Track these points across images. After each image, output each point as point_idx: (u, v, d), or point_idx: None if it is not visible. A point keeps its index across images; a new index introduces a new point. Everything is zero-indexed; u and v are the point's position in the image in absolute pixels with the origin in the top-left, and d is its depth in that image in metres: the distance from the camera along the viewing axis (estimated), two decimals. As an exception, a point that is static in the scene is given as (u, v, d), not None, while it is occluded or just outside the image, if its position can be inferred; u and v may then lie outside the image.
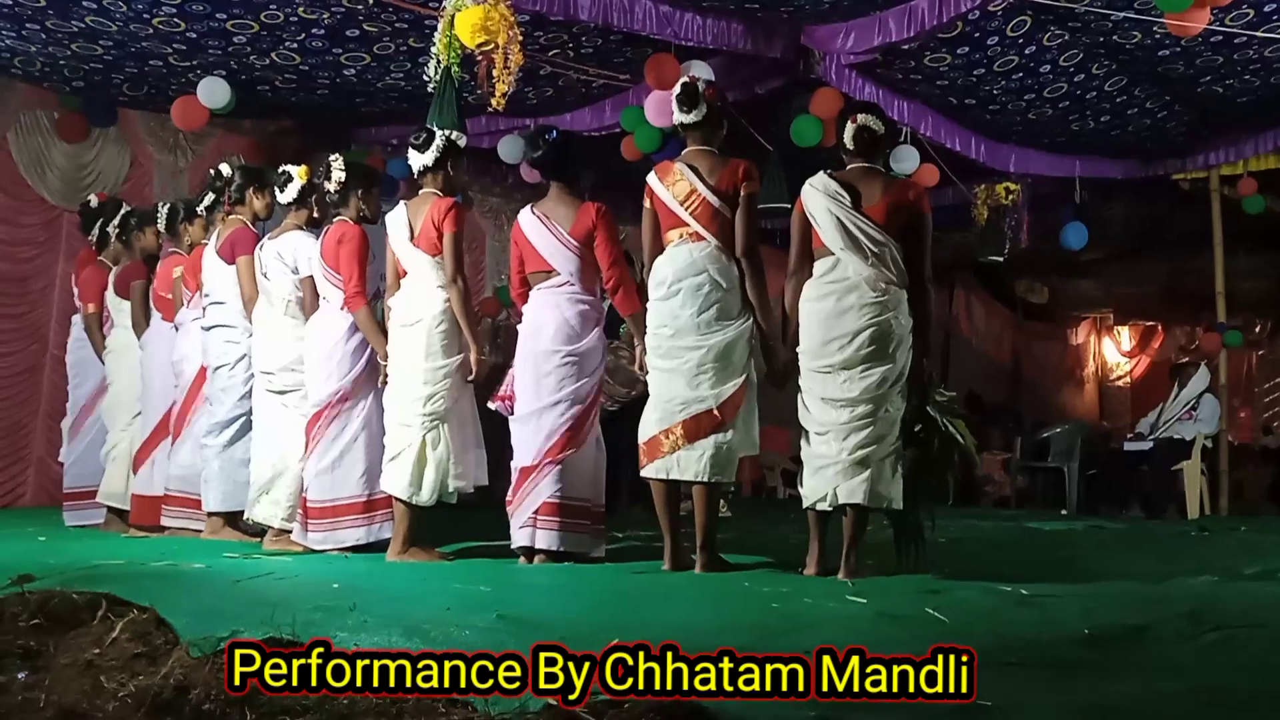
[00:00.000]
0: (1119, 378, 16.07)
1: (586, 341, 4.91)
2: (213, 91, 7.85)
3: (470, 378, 5.08)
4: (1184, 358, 11.84)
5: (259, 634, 2.92)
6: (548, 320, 4.92)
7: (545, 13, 6.84)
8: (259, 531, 5.63)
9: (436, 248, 5.05)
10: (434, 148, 5.16)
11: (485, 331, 5.34)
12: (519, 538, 4.86)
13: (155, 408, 6.31)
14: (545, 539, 4.78)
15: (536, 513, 4.79)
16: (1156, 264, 13.05)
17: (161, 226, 6.68)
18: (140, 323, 6.58)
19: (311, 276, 5.48)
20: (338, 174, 5.41)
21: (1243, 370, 14.41)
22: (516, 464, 4.93)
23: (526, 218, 5.07)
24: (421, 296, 5.05)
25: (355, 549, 5.17)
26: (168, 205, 6.75)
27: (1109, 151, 9.78)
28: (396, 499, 5.00)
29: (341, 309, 5.31)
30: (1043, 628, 3.34)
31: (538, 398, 4.89)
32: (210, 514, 5.87)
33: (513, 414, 5.01)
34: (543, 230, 4.99)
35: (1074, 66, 7.94)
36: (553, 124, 7.65)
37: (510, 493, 4.92)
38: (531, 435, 4.89)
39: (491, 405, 5.15)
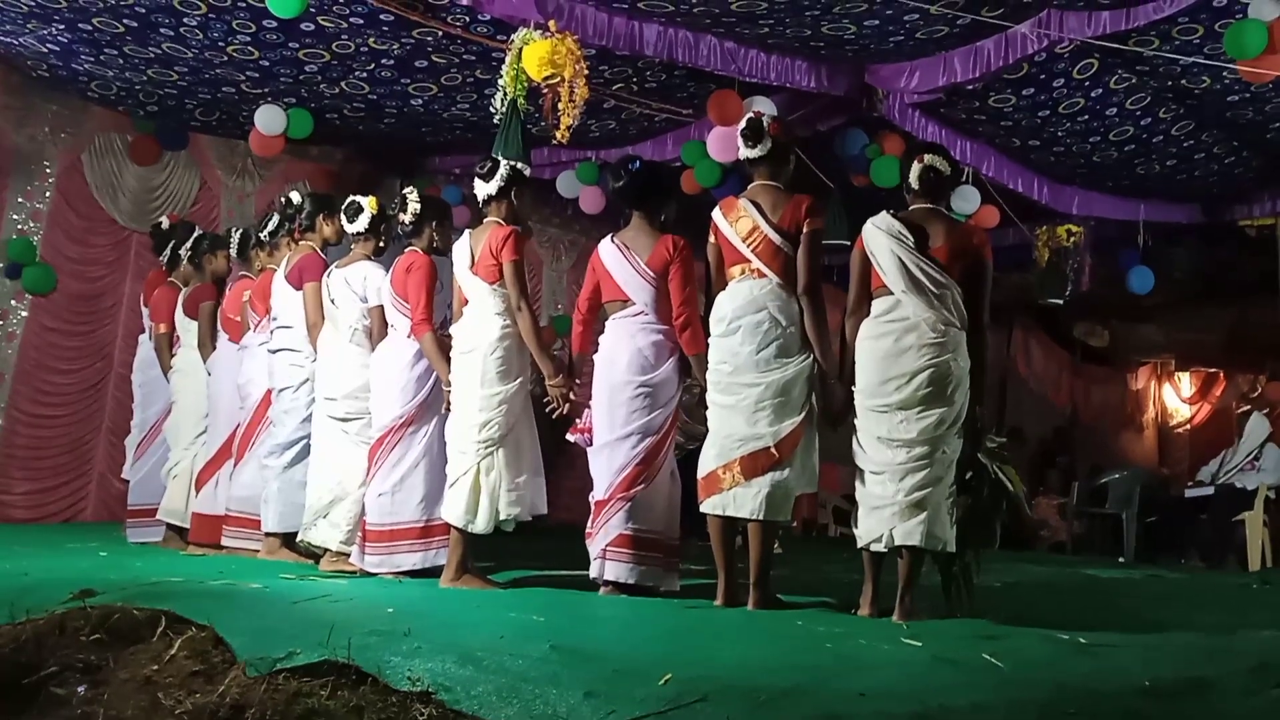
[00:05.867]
0: (1179, 424, 15.79)
1: (661, 372, 4.89)
2: (270, 119, 7.99)
3: (549, 405, 5.11)
4: (1244, 406, 11.65)
5: (315, 656, 2.94)
6: (622, 350, 4.92)
7: (611, 47, 6.91)
8: (315, 553, 5.68)
9: (494, 275, 5.07)
10: (498, 177, 5.20)
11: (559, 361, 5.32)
12: (594, 568, 4.88)
13: (220, 428, 6.40)
14: (615, 571, 4.79)
15: (609, 545, 4.80)
16: (1220, 310, 12.85)
17: (233, 251, 6.79)
18: (206, 344, 6.68)
19: (380, 306, 5.55)
20: (413, 205, 5.48)
21: (1307, 422, 14.11)
22: (593, 497, 4.94)
23: (606, 247, 5.08)
24: (479, 324, 5.07)
25: (410, 574, 5.20)
26: (240, 230, 6.86)
27: (1174, 196, 9.67)
28: (453, 526, 5.02)
29: (408, 336, 5.36)
30: (1103, 677, 3.28)
31: (611, 429, 4.90)
32: (268, 534, 5.93)
33: (591, 445, 5.01)
34: (621, 260, 5.00)
35: (1141, 110, 7.88)
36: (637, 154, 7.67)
37: (589, 524, 4.93)
38: (605, 468, 4.90)
39: (570, 437, 5.15)
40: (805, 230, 4.61)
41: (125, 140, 8.85)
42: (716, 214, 4.78)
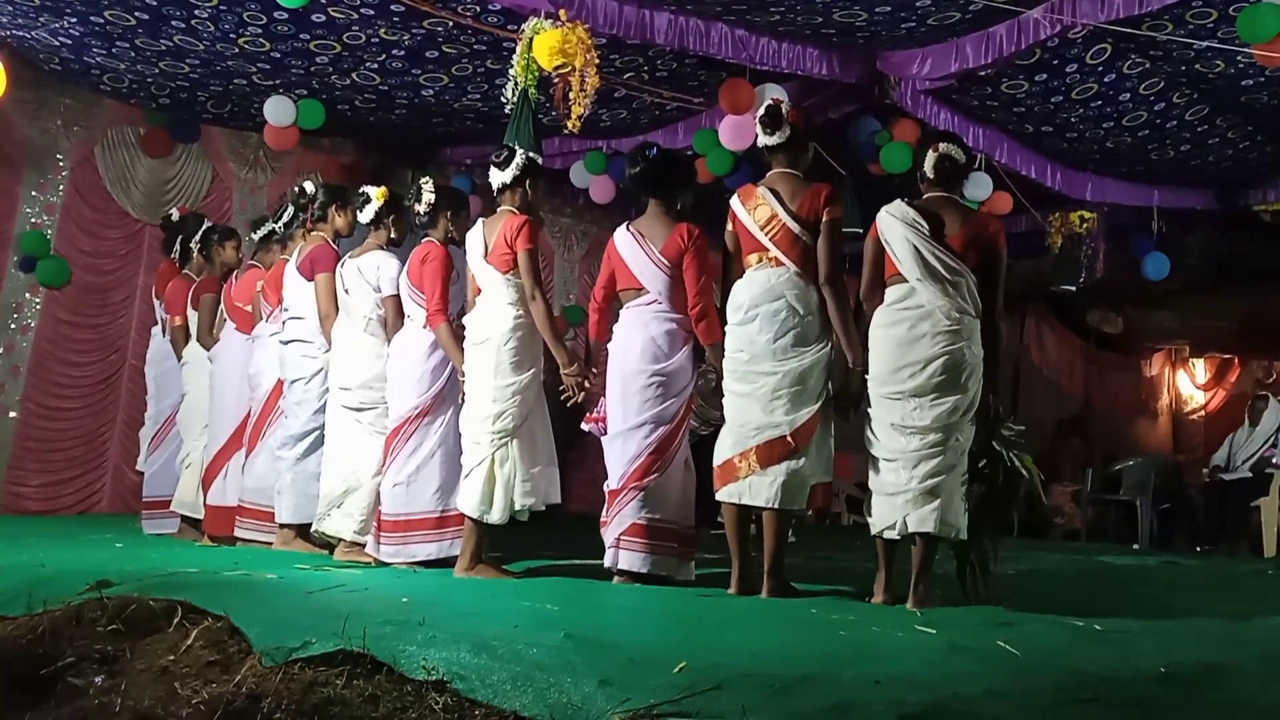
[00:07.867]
0: (1194, 411, 15.74)
1: (674, 361, 4.87)
2: (279, 110, 7.99)
3: (564, 395, 5.10)
4: (1260, 391, 11.60)
5: (330, 646, 2.96)
6: (635, 339, 4.90)
7: (622, 36, 6.91)
8: (329, 544, 5.69)
9: (508, 264, 5.07)
10: (514, 166, 5.19)
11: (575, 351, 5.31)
12: (607, 558, 4.88)
13: (225, 420, 6.40)
14: (628, 560, 4.78)
15: (622, 534, 4.79)
16: (1235, 296, 12.77)
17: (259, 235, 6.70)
18: (206, 335, 6.68)
19: (395, 296, 5.55)
20: (428, 196, 5.47)
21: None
22: (607, 486, 4.94)
23: (622, 235, 5.05)
24: (492, 314, 5.07)
25: (425, 564, 5.21)
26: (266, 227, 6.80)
27: (1188, 181, 9.63)
28: (468, 516, 5.02)
29: (424, 327, 5.37)
30: (1118, 665, 3.27)
31: (624, 419, 4.88)
32: (282, 526, 5.94)
33: (605, 434, 5.01)
34: (635, 248, 4.97)
35: (1154, 95, 7.84)
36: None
37: (604, 513, 4.93)
38: (618, 458, 4.89)
39: (585, 427, 5.15)
40: (825, 219, 4.58)
41: (138, 133, 8.89)
42: (734, 202, 4.76)
